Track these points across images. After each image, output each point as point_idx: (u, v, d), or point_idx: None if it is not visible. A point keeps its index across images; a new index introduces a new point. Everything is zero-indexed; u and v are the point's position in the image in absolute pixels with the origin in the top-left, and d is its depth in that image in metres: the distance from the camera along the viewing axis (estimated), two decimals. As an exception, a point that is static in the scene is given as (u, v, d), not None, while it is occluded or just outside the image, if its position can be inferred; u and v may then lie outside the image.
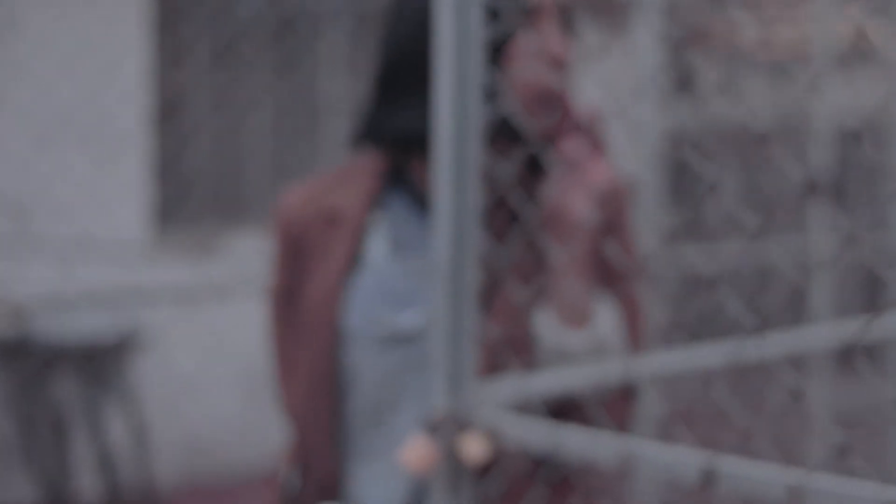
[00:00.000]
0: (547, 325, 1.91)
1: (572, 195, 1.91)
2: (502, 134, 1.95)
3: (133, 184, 6.63)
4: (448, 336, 1.69)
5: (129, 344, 6.33)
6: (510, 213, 2.02)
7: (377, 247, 2.01)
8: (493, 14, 1.92)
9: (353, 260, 2.00)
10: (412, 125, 1.98)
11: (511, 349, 1.89)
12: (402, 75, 2.00)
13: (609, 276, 1.98)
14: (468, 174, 1.71)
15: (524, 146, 1.91)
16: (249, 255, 6.54)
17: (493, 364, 1.87)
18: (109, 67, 6.28)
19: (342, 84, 7.43)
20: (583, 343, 1.90)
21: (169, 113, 6.86)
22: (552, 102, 1.96)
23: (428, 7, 1.95)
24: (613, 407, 1.91)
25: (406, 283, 1.97)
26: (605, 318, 1.95)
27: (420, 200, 2.02)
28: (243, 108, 7.12)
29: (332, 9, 7.06)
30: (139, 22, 6.60)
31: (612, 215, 1.96)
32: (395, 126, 2.00)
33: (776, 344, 1.79)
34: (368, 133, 2.04)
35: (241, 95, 7.10)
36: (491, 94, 1.84)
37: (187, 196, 6.91)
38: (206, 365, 6.72)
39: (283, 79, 7.20)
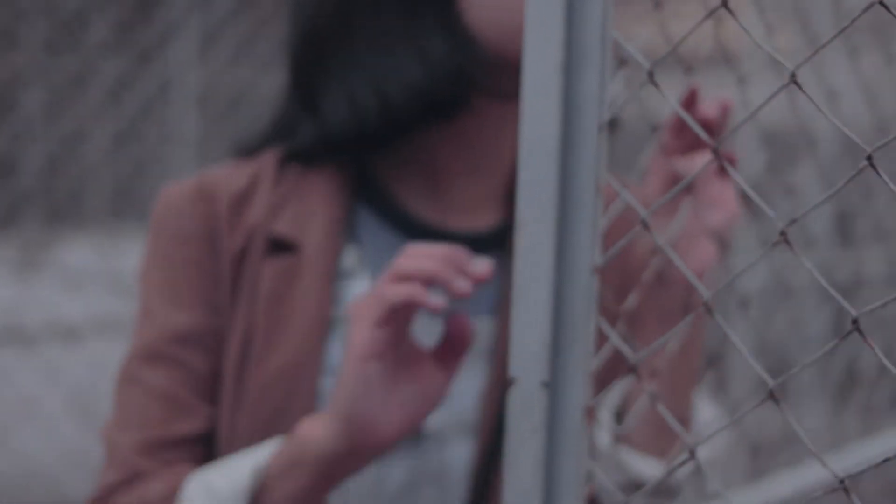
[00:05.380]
0: (623, 453, 1.34)
1: (692, 238, 1.28)
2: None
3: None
4: (536, 484, 0.99)
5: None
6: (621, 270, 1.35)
7: None
8: None
9: (326, 323, 1.35)
10: (361, 113, 1.35)
11: None
12: (338, 44, 1.37)
13: None
14: (583, 208, 1.00)
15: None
16: (84, 268, 5.88)
17: None
18: None
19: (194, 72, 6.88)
20: (673, 475, 1.30)
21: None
22: None
23: None
24: None
25: None
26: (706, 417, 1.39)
27: (406, 225, 1.39)
28: (85, 93, 6.43)
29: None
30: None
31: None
32: (336, 120, 1.37)
33: None
34: (291, 138, 1.42)
35: (84, 81, 6.42)
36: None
37: (7, 195, 6.26)
38: (38, 391, 6.10)
39: (130, 64, 6.57)
